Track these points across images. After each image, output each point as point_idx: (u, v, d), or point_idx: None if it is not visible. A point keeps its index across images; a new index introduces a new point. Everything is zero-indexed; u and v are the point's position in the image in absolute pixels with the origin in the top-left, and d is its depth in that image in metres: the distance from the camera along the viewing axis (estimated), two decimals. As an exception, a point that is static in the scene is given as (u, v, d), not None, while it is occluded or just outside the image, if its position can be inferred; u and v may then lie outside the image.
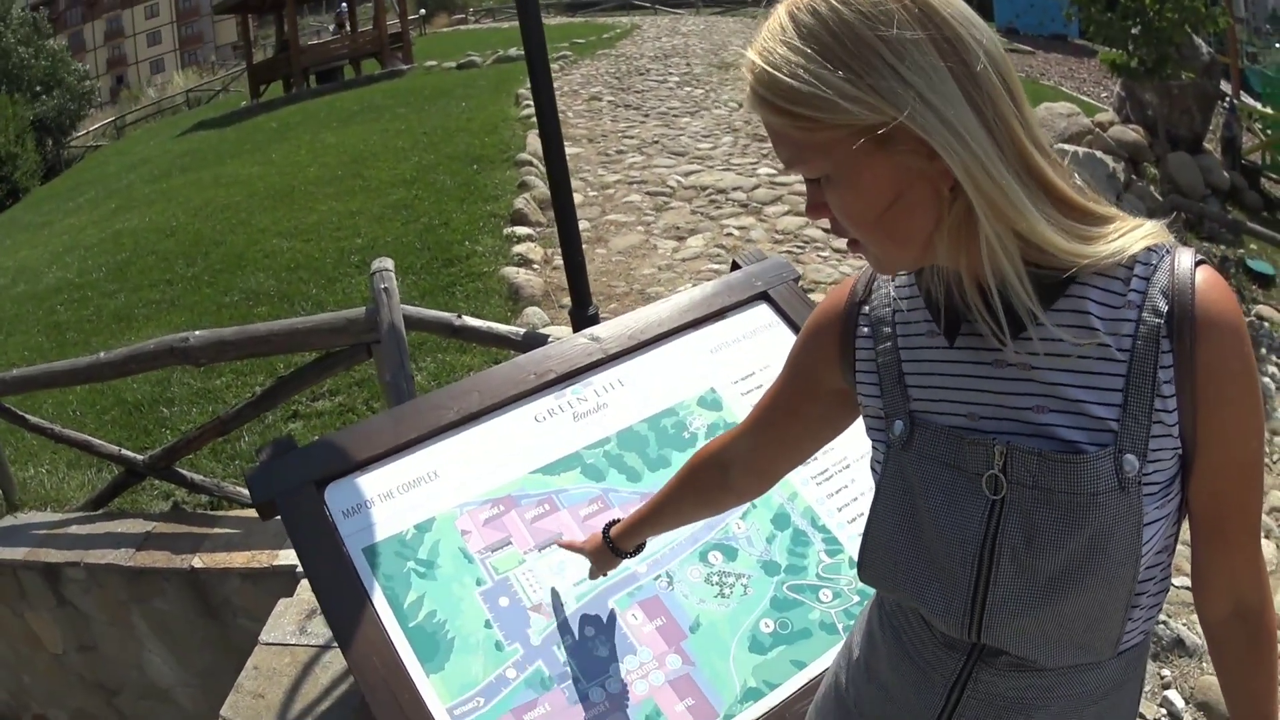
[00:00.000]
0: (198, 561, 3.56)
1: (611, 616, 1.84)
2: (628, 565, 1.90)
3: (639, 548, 1.67)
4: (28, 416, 4.33)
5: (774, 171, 7.51)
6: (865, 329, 1.12)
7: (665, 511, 1.52)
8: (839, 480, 2.13)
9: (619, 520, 1.66)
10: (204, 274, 7.29)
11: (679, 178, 7.56)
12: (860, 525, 2.02)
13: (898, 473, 1.06)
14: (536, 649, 1.77)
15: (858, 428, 1.37)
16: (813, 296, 4.93)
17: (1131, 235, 0.91)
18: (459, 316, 3.22)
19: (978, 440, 0.98)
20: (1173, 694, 2.93)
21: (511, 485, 1.99)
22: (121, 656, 4.09)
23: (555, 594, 1.85)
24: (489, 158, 8.41)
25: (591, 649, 1.79)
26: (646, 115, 10.11)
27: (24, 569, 4.02)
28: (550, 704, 1.70)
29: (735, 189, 7.19)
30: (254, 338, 3.47)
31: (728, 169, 7.70)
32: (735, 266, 2.50)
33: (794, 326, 2.33)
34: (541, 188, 7.13)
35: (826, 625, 1.89)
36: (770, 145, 0.96)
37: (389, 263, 3.28)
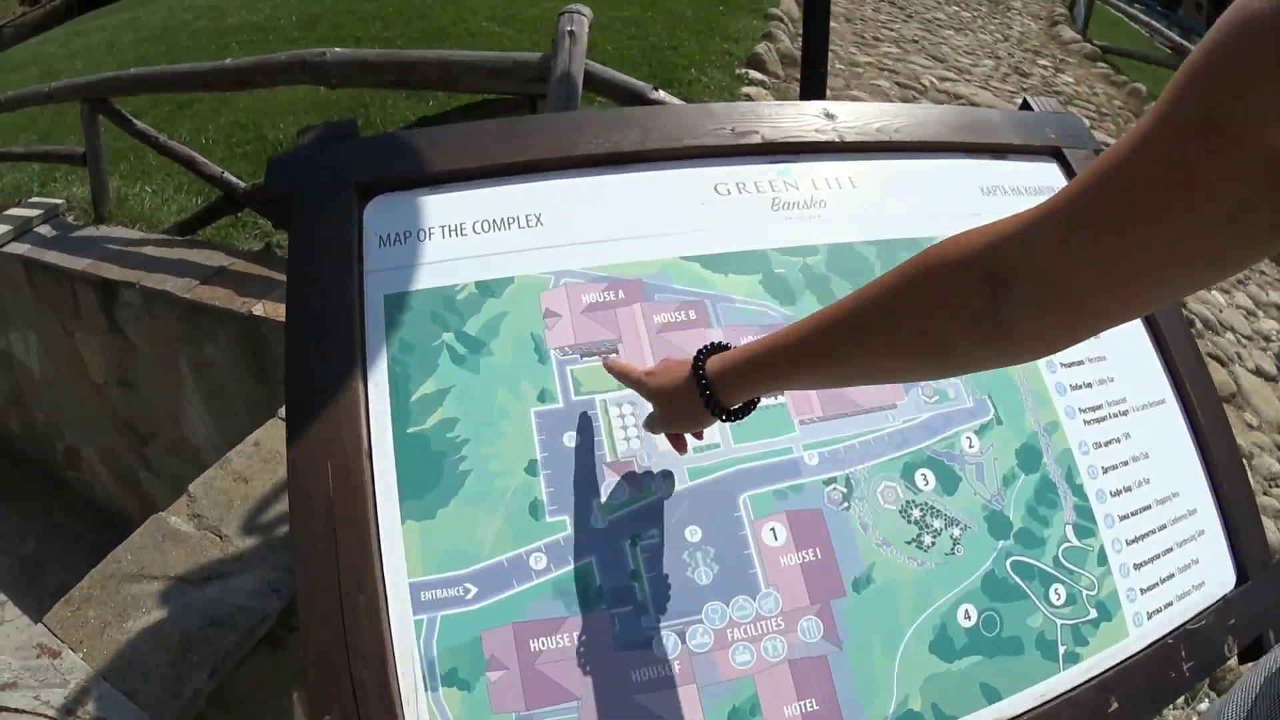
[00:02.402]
0: (259, 309, 2.97)
1: (736, 522, 1.07)
2: (778, 446, 1.13)
3: (750, 405, 0.91)
4: (134, 120, 3.95)
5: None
6: None
7: (838, 339, 0.76)
8: (1111, 428, 1.30)
9: (726, 346, 0.90)
10: (397, 39, 6.75)
11: (933, 79, 6.69)
12: (1127, 503, 1.26)
13: None
14: (597, 534, 1.02)
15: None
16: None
17: None
18: (655, 88, 2.47)
19: None
20: None
21: (650, 267, 1.21)
22: (160, 401, 3.67)
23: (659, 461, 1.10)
24: (738, 3, 7.54)
25: (686, 566, 1.03)
26: (910, 16, 9.18)
27: (81, 281, 3.62)
28: (583, 635, 0.96)
29: (989, 106, 6.22)
30: (400, 63, 2.99)
31: (985, 88, 6.77)
32: (1026, 107, 1.65)
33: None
34: (786, 43, 6.34)
35: (1045, 643, 1.11)
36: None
37: (586, 10, 2.56)
